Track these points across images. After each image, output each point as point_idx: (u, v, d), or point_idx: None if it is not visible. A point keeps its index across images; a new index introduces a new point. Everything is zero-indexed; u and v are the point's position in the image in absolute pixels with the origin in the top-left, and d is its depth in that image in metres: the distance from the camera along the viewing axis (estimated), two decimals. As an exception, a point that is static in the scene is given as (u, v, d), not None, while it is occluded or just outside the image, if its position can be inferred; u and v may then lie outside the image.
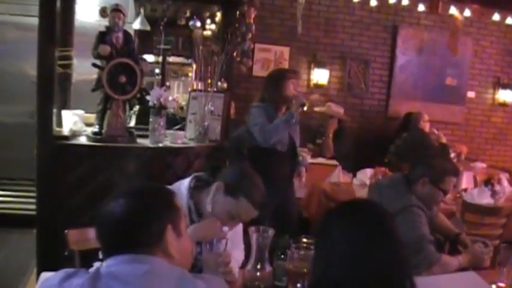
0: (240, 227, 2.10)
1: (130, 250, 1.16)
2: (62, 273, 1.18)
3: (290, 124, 3.16)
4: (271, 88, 3.28)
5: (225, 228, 1.81)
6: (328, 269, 1.14)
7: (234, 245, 1.97)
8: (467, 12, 5.37)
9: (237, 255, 2.04)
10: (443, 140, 5.05)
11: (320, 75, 5.70)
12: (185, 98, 4.57)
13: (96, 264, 1.18)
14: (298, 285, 1.75)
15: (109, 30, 3.02)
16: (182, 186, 1.94)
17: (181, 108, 4.59)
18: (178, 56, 6.15)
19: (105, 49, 2.92)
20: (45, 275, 1.51)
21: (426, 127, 5.14)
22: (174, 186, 1.90)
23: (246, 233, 1.94)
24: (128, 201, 1.22)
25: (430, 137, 4.51)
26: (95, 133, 3.03)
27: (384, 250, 1.13)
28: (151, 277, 1.13)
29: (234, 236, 2.00)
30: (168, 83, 5.44)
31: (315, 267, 1.21)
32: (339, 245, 1.14)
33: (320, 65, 5.70)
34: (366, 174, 3.97)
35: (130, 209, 1.21)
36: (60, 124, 3.23)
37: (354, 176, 4.19)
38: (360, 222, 1.17)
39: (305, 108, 3.17)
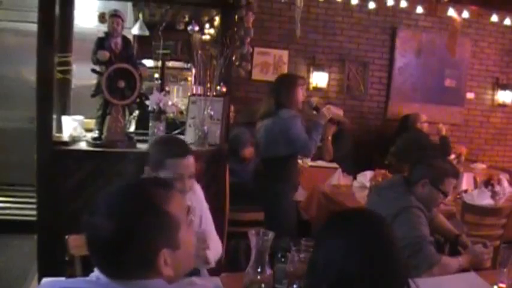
0: (209, 220, 2.19)
1: (119, 274, 1.09)
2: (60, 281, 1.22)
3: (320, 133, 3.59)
4: (284, 93, 3.55)
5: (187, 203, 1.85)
6: (325, 277, 1.13)
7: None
8: (465, 14, 5.39)
9: (213, 247, 2.05)
10: (444, 131, 5.05)
11: (319, 78, 5.71)
12: (184, 102, 4.60)
13: (96, 271, 1.17)
14: (295, 286, 1.76)
15: (108, 35, 3.03)
16: None
17: (181, 112, 4.61)
18: (177, 60, 6.17)
19: (104, 54, 2.93)
20: (46, 280, 1.51)
21: (424, 128, 5.14)
22: None
23: (245, 236, 1.95)
24: (110, 223, 1.07)
25: (429, 137, 4.52)
26: (94, 138, 3.03)
27: (379, 258, 1.12)
28: None
29: (206, 224, 2.11)
30: (167, 88, 5.47)
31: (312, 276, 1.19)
32: (333, 255, 1.13)
33: (319, 67, 5.71)
34: (366, 177, 3.96)
35: (114, 235, 1.06)
36: (60, 130, 3.24)
37: (354, 178, 4.19)
38: (351, 233, 1.16)
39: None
